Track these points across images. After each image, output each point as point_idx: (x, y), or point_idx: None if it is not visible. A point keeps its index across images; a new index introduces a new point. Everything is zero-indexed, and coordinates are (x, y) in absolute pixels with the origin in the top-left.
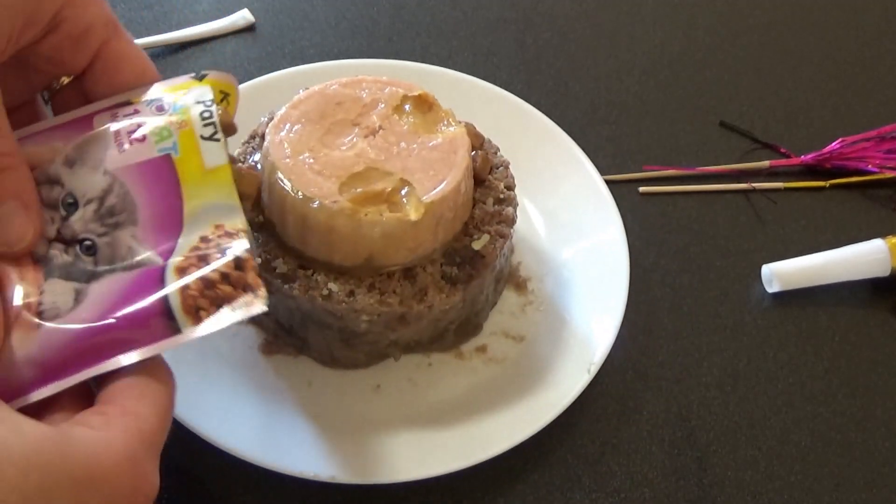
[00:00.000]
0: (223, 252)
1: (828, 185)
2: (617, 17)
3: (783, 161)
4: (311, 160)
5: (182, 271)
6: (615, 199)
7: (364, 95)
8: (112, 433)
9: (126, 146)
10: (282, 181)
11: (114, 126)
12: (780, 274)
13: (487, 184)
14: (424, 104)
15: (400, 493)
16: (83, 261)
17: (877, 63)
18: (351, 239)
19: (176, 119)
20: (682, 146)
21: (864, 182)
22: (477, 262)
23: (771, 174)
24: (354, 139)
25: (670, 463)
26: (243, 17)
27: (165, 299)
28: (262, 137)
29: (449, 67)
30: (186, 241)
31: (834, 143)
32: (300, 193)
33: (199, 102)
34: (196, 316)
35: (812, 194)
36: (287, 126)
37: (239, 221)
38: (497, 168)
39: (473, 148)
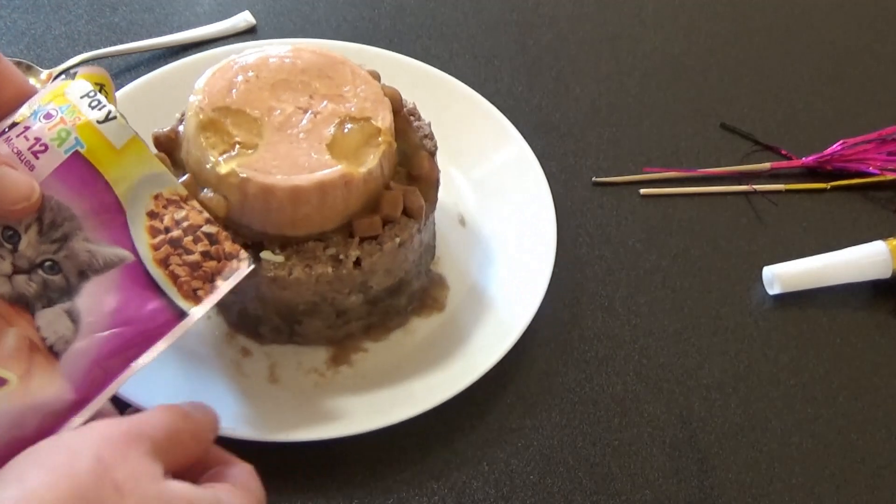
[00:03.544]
0: (188, 230)
1: (829, 186)
2: (618, 18)
3: (784, 163)
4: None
5: (164, 263)
6: (616, 201)
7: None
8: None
9: (34, 161)
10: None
11: (12, 148)
12: (781, 276)
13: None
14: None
15: (396, 488)
16: (53, 281)
17: (877, 65)
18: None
19: (68, 118)
20: (683, 148)
21: (864, 184)
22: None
23: (772, 176)
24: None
25: (671, 465)
26: (244, 19)
27: (162, 293)
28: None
29: (450, 69)
30: (137, 223)
31: (835, 145)
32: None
33: (82, 97)
34: (195, 297)
35: (813, 196)
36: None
37: (174, 185)
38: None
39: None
